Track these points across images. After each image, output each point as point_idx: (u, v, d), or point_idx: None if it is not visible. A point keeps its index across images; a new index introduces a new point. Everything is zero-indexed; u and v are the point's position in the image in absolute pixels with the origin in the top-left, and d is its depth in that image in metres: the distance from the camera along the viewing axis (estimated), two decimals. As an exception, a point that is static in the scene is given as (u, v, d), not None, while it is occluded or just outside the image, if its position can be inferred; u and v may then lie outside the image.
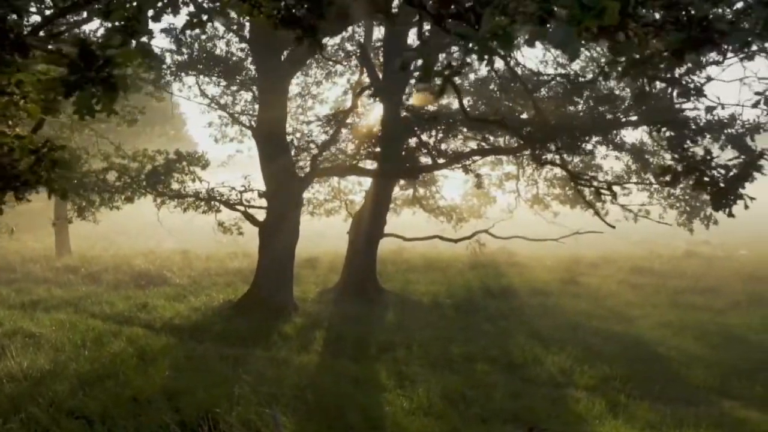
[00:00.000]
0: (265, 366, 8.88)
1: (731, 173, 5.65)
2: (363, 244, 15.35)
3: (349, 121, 15.08)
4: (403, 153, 12.33)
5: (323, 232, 24.85)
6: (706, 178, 5.76)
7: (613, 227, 13.29)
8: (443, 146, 12.43)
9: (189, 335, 11.30)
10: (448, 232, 21.18)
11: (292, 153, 14.23)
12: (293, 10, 3.88)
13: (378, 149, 12.12)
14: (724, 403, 8.04)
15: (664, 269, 18.45)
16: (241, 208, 13.50)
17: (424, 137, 12.38)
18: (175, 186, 13.81)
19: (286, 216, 13.11)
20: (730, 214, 5.74)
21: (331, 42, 15.79)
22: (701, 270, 18.05)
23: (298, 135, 14.13)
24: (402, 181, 20.81)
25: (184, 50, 13.73)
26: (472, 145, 12.81)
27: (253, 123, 13.93)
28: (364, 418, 6.88)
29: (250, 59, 14.02)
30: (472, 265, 20.19)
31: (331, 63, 15.32)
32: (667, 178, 5.70)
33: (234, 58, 13.97)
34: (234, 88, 14.46)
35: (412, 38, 15.35)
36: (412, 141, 12.37)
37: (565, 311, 13.43)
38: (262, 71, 12.72)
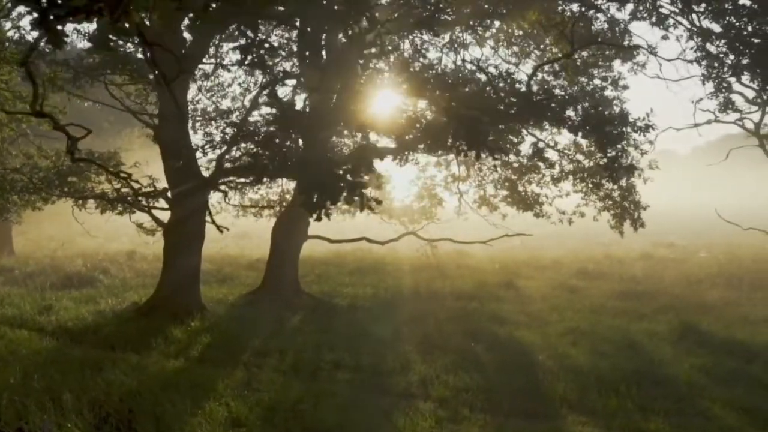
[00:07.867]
0: (112, 371, 8.59)
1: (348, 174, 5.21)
2: (284, 246, 15.05)
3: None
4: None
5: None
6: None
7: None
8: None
9: (74, 339, 11.11)
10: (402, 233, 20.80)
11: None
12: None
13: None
14: (571, 417, 7.54)
15: (610, 272, 17.82)
16: (146, 209, 13.29)
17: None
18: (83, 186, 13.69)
19: (190, 217, 12.87)
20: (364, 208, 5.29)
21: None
22: (647, 273, 17.38)
23: (206, 135, 13.88)
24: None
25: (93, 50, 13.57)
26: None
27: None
28: (159, 429, 6.57)
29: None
30: (419, 268, 19.77)
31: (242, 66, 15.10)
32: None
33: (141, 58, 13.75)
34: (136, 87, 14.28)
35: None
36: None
37: (479, 316, 12.95)
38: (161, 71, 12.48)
